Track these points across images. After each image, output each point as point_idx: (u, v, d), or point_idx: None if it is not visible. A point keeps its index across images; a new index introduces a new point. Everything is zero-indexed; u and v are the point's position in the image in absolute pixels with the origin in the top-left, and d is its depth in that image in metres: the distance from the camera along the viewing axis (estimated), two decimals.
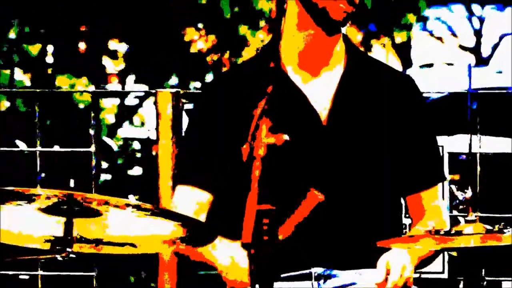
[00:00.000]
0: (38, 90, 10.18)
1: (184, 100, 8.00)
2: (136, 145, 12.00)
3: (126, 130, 12.31)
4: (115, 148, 10.34)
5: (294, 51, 5.06)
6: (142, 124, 12.15)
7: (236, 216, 4.25)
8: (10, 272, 8.18)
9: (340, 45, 5.18)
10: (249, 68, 5.49)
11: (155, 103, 7.87)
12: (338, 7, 4.91)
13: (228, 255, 4.96)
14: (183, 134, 6.95)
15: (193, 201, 5.27)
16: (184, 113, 8.67)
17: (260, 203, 3.76)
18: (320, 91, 5.11)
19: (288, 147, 3.93)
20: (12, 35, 11.15)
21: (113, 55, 12.03)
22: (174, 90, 8.35)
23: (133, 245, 4.61)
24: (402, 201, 5.59)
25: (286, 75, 5.06)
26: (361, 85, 5.19)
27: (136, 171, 10.87)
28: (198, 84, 12.33)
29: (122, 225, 4.52)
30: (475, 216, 4.59)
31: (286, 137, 3.87)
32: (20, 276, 8.48)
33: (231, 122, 5.18)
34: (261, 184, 3.81)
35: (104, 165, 11.06)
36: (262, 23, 11.29)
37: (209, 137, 5.33)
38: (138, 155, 11.85)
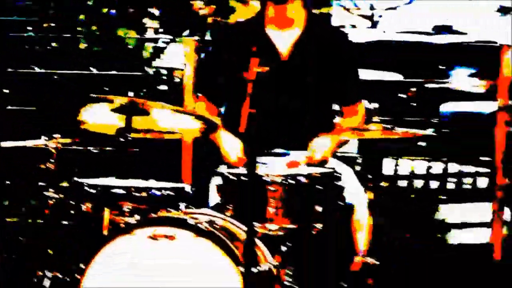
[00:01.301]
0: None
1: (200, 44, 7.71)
2: (163, 71, 12.48)
3: (157, 62, 12.80)
4: (151, 73, 10.59)
5: (270, 16, 5.12)
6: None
7: (235, 117, 4.25)
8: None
9: (299, 12, 5.19)
10: (246, 25, 5.68)
11: (184, 46, 7.85)
12: None
13: (229, 144, 5.06)
14: (200, 63, 7.08)
15: (204, 107, 5.45)
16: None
17: (250, 108, 3.93)
18: (284, 41, 5.18)
19: (264, 74, 4.06)
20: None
21: (152, 16, 12.50)
22: (195, 38, 8.45)
23: (177, 133, 4.90)
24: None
25: (265, 31, 5.16)
26: (312, 38, 5.23)
27: (163, 87, 11.27)
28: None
29: (165, 120, 4.59)
30: (378, 119, 4.70)
31: (267, 68, 4.07)
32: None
33: (233, 57, 5.16)
34: (251, 97, 3.96)
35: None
36: None
37: (218, 67, 5.45)
38: (164, 77, 12.20)
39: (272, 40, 5.24)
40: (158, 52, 11.41)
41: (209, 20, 12.02)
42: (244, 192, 4.25)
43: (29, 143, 5.38)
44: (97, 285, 4.16)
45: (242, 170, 4.45)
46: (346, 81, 5.38)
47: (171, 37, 11.37)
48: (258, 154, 4.23)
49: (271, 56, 5.20)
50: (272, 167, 4.58)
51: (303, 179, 4.44)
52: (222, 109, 5.69)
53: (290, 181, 4.40)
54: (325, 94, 5.28)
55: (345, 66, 5.39)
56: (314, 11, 6.44)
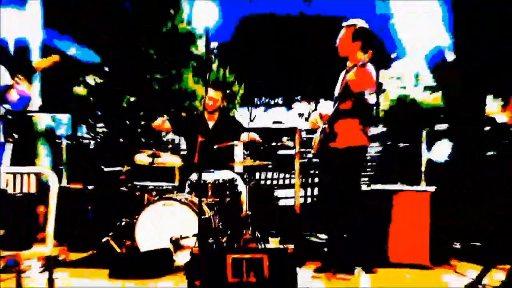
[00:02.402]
0: None
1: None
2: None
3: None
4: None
5: (206, 114, 4.99)
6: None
7: (192, 154, 4.51)
8: None
9: (217, 112, 5.10)
10: (198, 115, 5.50)
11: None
12: (209, 106, 4.89)
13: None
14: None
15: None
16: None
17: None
18: (211, 121, 5.06)
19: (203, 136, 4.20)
20: None
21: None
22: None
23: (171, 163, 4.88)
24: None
25: (205, 117, 5.07)
26: (221, 121, 5.10)
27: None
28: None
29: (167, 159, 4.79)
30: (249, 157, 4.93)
31: (204, 138, 4.27)
32: None
33: (191, 126, 5.11)
34: (200, 145, 4.20)
35: None
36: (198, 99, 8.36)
37: (181, 128, 5.23)
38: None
39: (207, 121, 5.15)
40: (167, 133, 7.55)
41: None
42: (198, 186, 4.47)
43: (114, 169, 5.39)
44: (143, 225, 4.35)
45: (196, 178, 4.55)
46: (236, 134, 5.09)
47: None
48: (203, 171, 4.55)
49: (206, 128, 5.12)
50: (209, 176, 4.76)
51: (221, 181, 4.76)
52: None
53: (216, 181, 4.74)
54: (229, 140, 5.02)
55: (236, 128, 5.18)
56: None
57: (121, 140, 6.88)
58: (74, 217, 5.01)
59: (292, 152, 6.01)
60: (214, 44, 4.47)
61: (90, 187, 5.12)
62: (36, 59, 4.03)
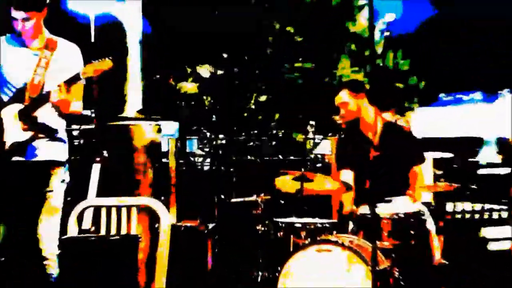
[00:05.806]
0: None
1: None
2: (319, 156, 10.50)
3: (315, 151, 10.98)
4: (312, 157, 8.87)
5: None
6: None
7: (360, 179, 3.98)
8: None
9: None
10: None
11: (330, 141, 6.23)
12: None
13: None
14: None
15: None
16: None
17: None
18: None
19: None
20: None
21: (311, 126, 10.93)
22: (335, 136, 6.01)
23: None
24: None
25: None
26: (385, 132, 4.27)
27: (319, 165, 9.88)
28: None
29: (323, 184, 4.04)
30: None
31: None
32: None
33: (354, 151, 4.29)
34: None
35: None
36: None
37: (347, 153, 4.25)
38: (320, 159, 10.63)
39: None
40: (315, 145, 10.13)
41: (343, 125, 10.44)
42: (367, 223, 3.76)
43: (247, 198, 4.85)
44: (290, 279, 3.51)
45: (367, 211, 3.83)
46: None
47: (322, 136, 10.18)
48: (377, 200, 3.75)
49: (370, 141, 4.22)
50: (385, 208, 3.89)
51: (402, 215, 3.84)
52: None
53: (395, 216, 3.82)
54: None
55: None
56: None
57: (249, 157, 6.06)
58: (189, 268, 4.49)
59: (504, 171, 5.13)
60: (390, 17, 4.70)
61: (210, 225, 4.58)
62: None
